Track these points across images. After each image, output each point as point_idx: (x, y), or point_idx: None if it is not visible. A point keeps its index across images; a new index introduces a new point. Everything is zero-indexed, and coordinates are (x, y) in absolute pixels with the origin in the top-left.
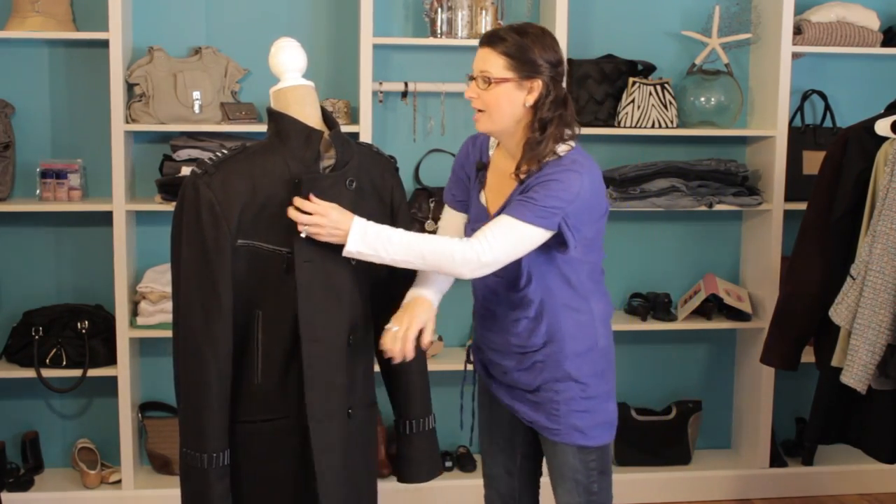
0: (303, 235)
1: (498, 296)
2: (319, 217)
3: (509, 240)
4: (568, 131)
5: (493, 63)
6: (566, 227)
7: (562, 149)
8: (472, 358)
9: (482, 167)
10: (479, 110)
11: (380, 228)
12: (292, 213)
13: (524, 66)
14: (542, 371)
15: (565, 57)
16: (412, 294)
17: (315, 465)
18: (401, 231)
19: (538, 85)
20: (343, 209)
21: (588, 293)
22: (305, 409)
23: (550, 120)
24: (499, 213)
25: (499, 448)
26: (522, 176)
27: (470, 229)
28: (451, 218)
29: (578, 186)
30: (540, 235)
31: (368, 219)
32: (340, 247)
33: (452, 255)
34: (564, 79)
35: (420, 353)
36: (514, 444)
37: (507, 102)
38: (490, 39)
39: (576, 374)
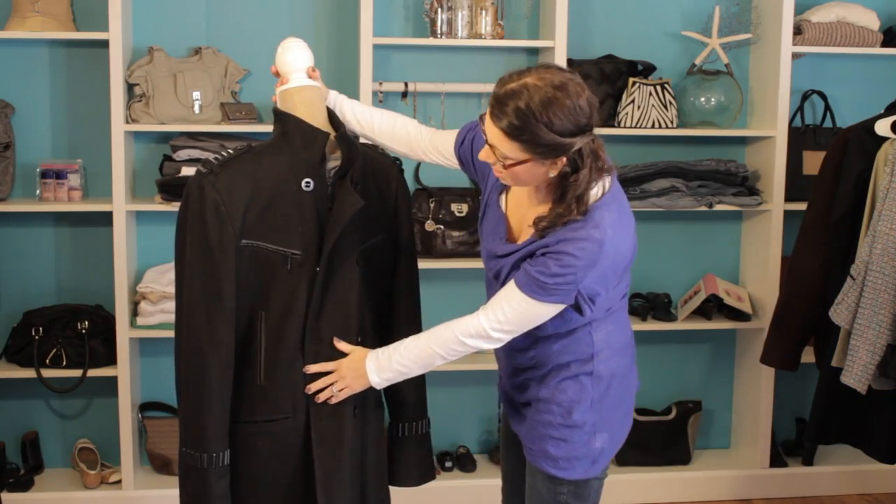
0: (337, 391)
1: None
2: (339, 377)
3: (519, 317)
4: (600, 181)
5: (507, 146)
6: (583, 298)
7: (594, 192)
8: None
9: None
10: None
11: (388, 356)
12: (315, 386)
13: (542, 152)
14: (528, 389)
15: (591, 110)
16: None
17: (315, 462)
18: (406, 344)
19: (561, 162)
20: (351, 356)
21: (595, 325)
22: (308, 409)
23: (582, 195)
24: (511, 254)
25: (512, 465)
26: (542, 231)
27: (487, 233)
28: (449, 139)
29: (596, 255)
30: (554, 309)
31: (371, 220)
32: (347, 249)
33: (463, 341)
34: (593, 137)
35: None
36: (525, 465)
37: (528, 175)
38: (495, 113)
39: (560, 397)
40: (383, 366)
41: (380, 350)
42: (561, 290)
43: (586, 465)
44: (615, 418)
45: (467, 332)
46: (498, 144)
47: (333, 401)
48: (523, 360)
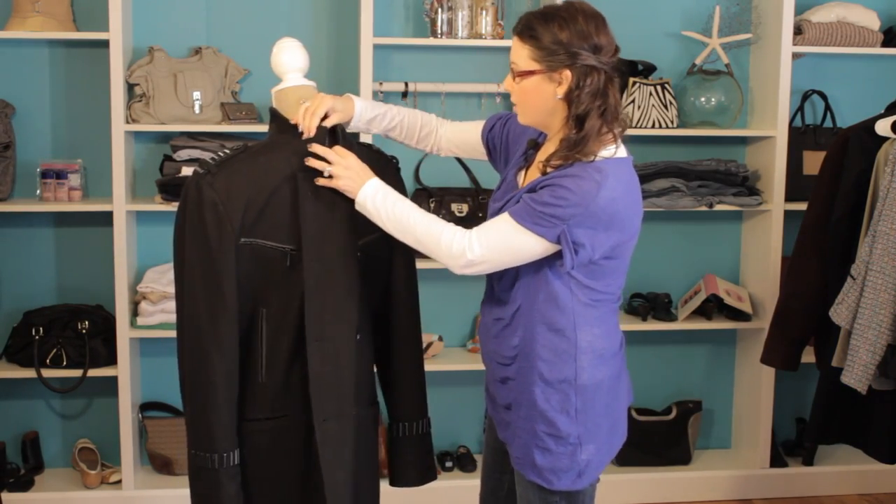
0: (325, 175)
1: (491, 288)
2: (342, 166)
3: (502, 241)
4: (611, 129)
5: (520, 54)
6: (565, 241)
7: (605, 152)
8: None
9: (534, 146)
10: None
11: (387, 194)
12: (312, 161)
13: (550, 56)
14: (511, 390)
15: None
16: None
17: (322, 465)
18: (407, 204)
19: (567, 76)
20: (366, 166)
21: (579, 321)
22: (309, 407)
23: (587, 114)
24: (512, 198)
25: (490, 468)
26: (549, 170)
27: (496, 200)
28: (475, 127)
29: (590, 197)
30: (536, 244)
31: (366, 217)
32: (348, 245)
33: (440, 240)
34: (611, 66)
35: (417, 355)
36: (505, 468)
37: (535, 96)
38: (517, 26)
39: (542, 405)
40: (379, 195)
41: (387, 187)
42: (546, 221)
43: (572, 478)
44: (602, 430)
45: (449, 240)
46: (513, 56)
47: (320, 181)
48: (508, 349)
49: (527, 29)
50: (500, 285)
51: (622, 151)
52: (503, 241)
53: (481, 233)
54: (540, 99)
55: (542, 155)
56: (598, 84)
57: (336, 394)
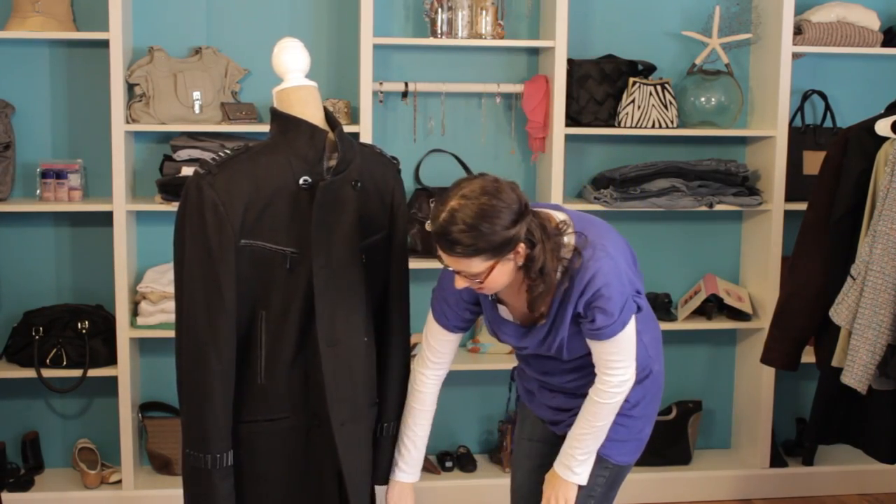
0: None
1: (546, 366)
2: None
3: (624, 345)
4: (562, 247)
5: (471, 264)
6: (636, 297)
7: (565, 239)
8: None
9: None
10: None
11: (568, 451)
12: None
13: (501, 248)
14: None
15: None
16: (394, 479)
17: (343, 467)
18: (576, 434)
19: (521, 248)
20: (548, 482)
21: (637, 326)
22: (308, 409)
23: (545, 262)
24: (549, 332)
25: (531, 462)
26: (543, 312)
27: (494, 332)
28: (448, 341)
29: (616, 268)
30: (634, 319)
31: (370, 218)
32: (353, 248)
33: (617, 395)
34: (525, 203)
35: (406, 358)
36: (547, 465)
37: (500, 276)
38: (450, 246)
39: (630, 395)
40: (576, 461)
41: (561, 456)
42: (626, 307)
43: (633, 452)
44: (657, 411)
45: (612, 388)
46: (464, 268)
47: None
48: (589, 387)
49: (467, 248)
50: (561, 362)
51: (564, 216)
52: (624, 344)
53: (612, 361)
54: (505, 276)
55: (517, 279)
56: (537, 228)
57: (350, 396)
